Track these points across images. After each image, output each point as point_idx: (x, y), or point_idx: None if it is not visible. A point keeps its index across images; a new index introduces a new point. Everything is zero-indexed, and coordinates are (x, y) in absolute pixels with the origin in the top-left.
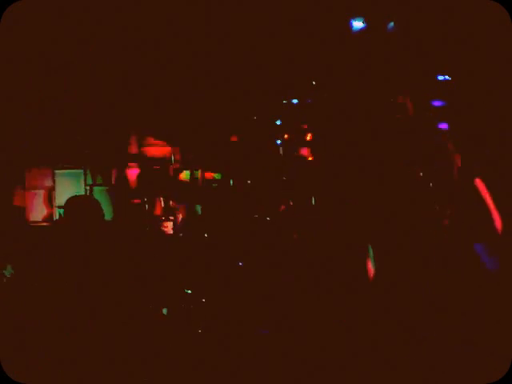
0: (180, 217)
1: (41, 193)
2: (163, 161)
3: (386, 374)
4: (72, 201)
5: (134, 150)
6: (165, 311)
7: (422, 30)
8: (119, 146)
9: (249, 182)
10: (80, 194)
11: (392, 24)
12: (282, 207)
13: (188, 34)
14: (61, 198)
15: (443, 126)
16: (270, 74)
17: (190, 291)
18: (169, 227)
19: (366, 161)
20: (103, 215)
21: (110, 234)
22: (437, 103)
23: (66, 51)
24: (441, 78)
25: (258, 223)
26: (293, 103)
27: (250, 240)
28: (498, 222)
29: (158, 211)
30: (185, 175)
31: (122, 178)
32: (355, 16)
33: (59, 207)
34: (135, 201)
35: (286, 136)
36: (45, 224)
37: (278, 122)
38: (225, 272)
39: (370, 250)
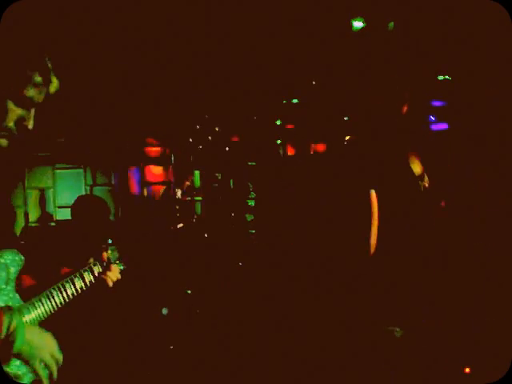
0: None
1: (41, 193)
2: (163, 161)
3: (386, 374)
4: (80, 200)
5: (134, 149)
6: (165, 311)
7: (421, 30)
8: (119, 146)
9: (248, 182)
10: (87, 193)
11: (392, 24)
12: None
13: (188, 33)
14: (61, 197)
15: (443, 126)
16: (270, 73)
17: (189, 291)
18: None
19: (366, 161)
20: (109, 214)
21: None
22: (437, 103)
23: (66, 51)
24: (441, 77)
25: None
26: (293, 103)
27: (250, 240)
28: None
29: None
30: (185, 175)
31: (122, 177)
32: (355, 16)
33: (59, 207)
34: (135, 201)
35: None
36: (45, 224)
37: (278, 122)
38: (225, 272)
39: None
